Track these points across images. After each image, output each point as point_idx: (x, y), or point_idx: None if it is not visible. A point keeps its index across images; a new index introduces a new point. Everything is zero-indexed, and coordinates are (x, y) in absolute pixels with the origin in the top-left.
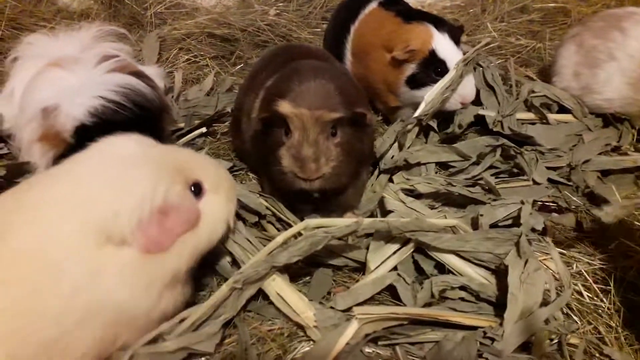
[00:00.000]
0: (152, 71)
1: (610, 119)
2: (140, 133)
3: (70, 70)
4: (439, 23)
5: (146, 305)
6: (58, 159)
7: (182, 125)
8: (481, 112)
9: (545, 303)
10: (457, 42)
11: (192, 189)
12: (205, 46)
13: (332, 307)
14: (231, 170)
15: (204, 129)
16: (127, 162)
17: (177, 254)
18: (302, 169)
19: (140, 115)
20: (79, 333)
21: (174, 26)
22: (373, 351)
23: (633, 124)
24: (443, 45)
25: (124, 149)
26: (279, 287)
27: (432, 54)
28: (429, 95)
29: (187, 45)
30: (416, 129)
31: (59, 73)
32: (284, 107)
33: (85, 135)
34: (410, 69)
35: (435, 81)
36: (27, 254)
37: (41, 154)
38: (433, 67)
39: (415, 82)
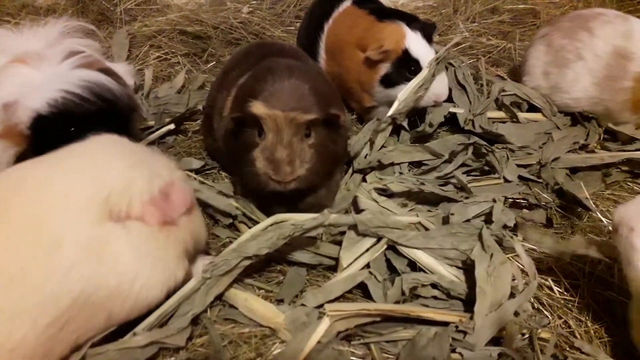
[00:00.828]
0: (121, 68)
1: (578, 118)
2: (106, 129)
3: (34, 66)
4: (412, 21)
5: (162, 275)
6: (20, 157)
7: (152, 123)
8: (452, 109)
9: (513, 295)
10: (429, 39)
11: None
12: (176, 43)
13: (302, 305)
14: (203, 169)
15: (172, 126)
16: (134, 147)
17: (184, 229)
18: (277, 171)
19: (105, 110)
20: (80, 311)
21: (144, 23)
22: (347, 349)
23: (600, 123)
24: (416, 44)
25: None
26: (244, 297)
27: (406, 53)
28: (402, 94)
29: (157, 42)
30: (389, 128)
31: (23, 69)
32: (257, 108)
33: (42, 127)
34: (385, 68)
35: (409, 80)
36: (29, 229)
37: (2, 151)
38: (407, 66)
39: (390, 81)
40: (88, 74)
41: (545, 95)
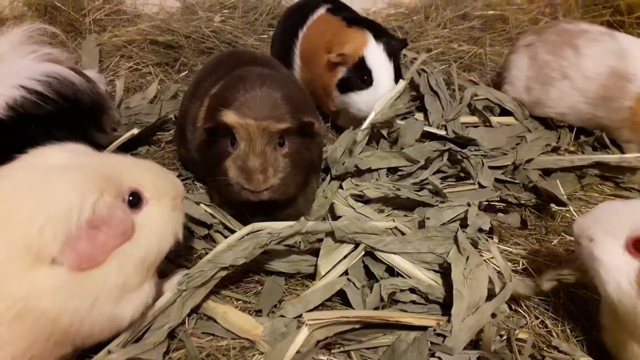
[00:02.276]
0: (91, 75)
1: (549, 122)
2: (71, 129)
3: None
4: (379, 33)
5: (100, 323)
6: None
7: (123, 133)
8: (426, 128)
9: (490, 297)
10: (391, 54)
11: (130, 198)
12: (147, 53)
13: (282, 316)
14: None
15: (135, 130)
16: (52, 173)
17: (118, 268)
18: (249, 180)
19: (68, 109)
20: None
21: (114, 33)
22: (327, 358)
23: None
24: (374, 55)
25: (52, 159)
26: (223, 310)
27: (362, 60)
28: (379, 105)
29: (128, 52)
30: (367, 137)
31: None
32: (229, 117)
33: (1, 130)
34: (342, 72)
35: (361, 89)
36: None
37: None
38: (360, 74)
39: (344, 85)
40: (51, 67)
41: (528, 107)
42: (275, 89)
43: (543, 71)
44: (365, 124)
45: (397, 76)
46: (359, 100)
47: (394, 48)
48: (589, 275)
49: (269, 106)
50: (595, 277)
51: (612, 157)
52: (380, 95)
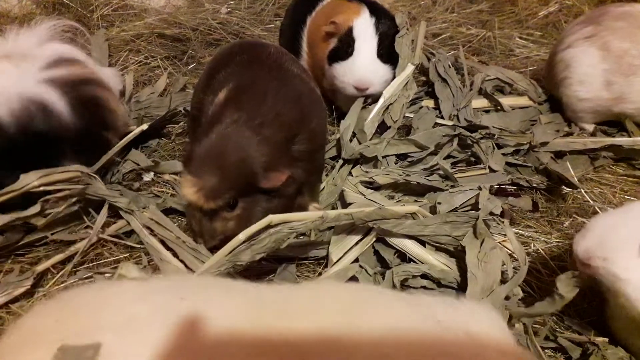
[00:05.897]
0: (108, 72)
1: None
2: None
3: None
4: (378, 10)
5: None
6: None
7: (133, 127)
8: (438, 121)
9: (504, 281)
10: (384, 32)
11: None
12: (156, 47)
13: None
14: None
15: (145, 126)
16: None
17: None
18: (194, 238)
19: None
20: None
21: (122, 28)
22: None
23: None
24: (362, 26)
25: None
26: None
27: (349, 30)
28: (387, 91)
29: (136, 46)
30: (375, 124)
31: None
32: (182, 184)
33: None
34: (333, 42)
35: (343, 58)
36: None
37: None
38: (345, 44)
39: (332, 57)
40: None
41: (607, 107)
42: (244, 142)
43: (623, 61)
44: (375, 110)
45: (392, 56)
46: (340, 70)
47: (389, 27)
48: (609, 290)
49: (219, 174)
50: (616, 292)
51: (624, 140)
52: (358, 66)
